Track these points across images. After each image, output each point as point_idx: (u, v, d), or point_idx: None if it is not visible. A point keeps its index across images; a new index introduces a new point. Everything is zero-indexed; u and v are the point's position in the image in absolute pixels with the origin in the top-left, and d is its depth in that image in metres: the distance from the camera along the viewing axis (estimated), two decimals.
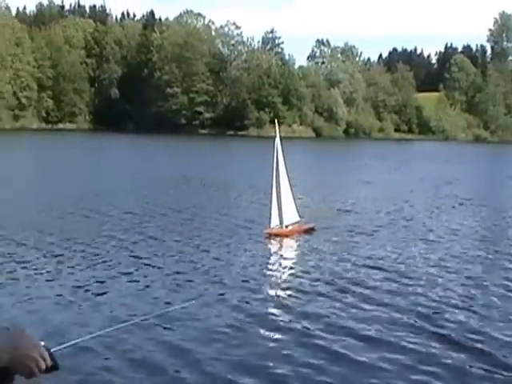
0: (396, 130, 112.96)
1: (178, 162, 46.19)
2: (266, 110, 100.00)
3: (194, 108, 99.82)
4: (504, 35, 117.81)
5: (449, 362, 9.04)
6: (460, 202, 27.92)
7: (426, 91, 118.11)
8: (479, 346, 9.74)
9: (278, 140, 18.03)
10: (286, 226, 18.30)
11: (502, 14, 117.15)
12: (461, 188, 33.83)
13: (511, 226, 22.87)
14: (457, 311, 11.52)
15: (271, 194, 18.12)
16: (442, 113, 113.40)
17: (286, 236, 18.14)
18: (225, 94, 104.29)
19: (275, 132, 18.44)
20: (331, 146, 79.78)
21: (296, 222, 18.73)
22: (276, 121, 20.05)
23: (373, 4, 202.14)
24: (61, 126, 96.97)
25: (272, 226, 17.90)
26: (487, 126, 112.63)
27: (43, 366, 1.88)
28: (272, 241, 17.89)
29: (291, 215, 18.29)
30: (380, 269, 14.74)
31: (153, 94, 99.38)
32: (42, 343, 1.92)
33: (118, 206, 23.72)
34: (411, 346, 9.65)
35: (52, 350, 1.95)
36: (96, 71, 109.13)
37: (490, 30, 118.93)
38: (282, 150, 18.27)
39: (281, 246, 17.59)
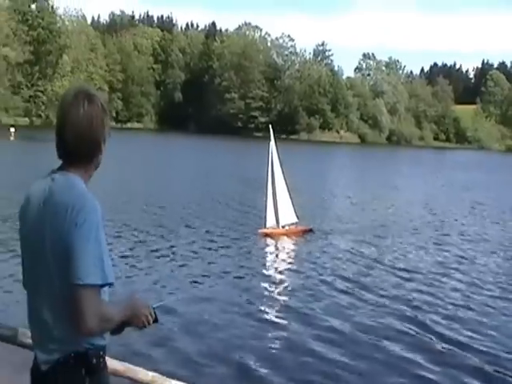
0: (435, 139, 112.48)
1: (236, 162, 45.09)
2: (316, 116, 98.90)
3: (249, 112, 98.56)
4: None
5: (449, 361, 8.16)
6: (475, 206, 26.60)
7: (463, 104, 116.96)
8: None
9: (272, 143, 17.20)
10: (283, 227, 16.83)
11: None
12: (481, 194, 32.04)
13: None
14: (453, 308, 10.70)
15: (266, 195, 16.73)
16: (478, 124, 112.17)
17: (282, 235, 16.73)
18: (278, 100, 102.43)
19: (270, 136, 17.52)
20: (373, 152, 78.31)
21: (293, 223, 17.02)
22: (270, 126, 19.39)
23: (416, 21, 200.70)
24: (129, 125, 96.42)
25: (268, 226, 16.54)
26: None
27: (151, 321, 2.28)
28: (268, 240, 16.48)
29: (288, 216, 16.88)
30: (381, 269, 13.62)
31: (212, 99, 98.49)
32: (149, 303, 2.34)
33: (170, 199, 23.04)
34: (409, 343, 8.82)
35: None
36: (161, 76, 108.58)
37: None
38: (278, 153, 17.38)
39: (276, 246, 16.23)
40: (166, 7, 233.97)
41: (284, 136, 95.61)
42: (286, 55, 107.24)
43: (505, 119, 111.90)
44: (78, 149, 2.18)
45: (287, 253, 15.61)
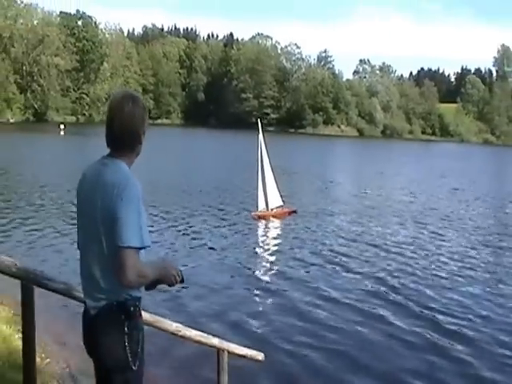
0: (422, 133, 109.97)
1: (249, 151, 43.98)
2: (320, 113, 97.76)
3: (262, 110, 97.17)
4: (504, 61, 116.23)
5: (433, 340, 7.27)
6: (451, 191, 25.94)
7: (446, 102, 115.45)
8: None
9: (260, 136, 16.67)
10: (272, 209, 16.53)
11: (502, 46, 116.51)
12: (457, 180, 31.21)
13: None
14: (432, 286, 9.93)
15: (257, 181, 16.34)
16: (459, 120, 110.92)
17: (272, 217, 16.37)
18: (287, 99, 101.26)
19: (258, 130, 16.93)
20: (369, 144, 77.52)
21: (279, 206, 16.75)
22: (259, 120, 18.68)
23: (407, 30, 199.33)
24: (159, 121, 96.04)
25: (259, 209, 16.29)
26: (493, 131, 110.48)
27: (179, 280, 2.44)
28: (260, 222, 16.22)
29: (275, 200, 16.60)
30: (352, 241, 13.36)
31: (230, 98, 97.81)
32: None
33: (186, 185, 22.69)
34: (392, 319, 8.06)
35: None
36: (187, 79, 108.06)
37: (495, 57, 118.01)
38: (266, 145, 16.70)
39: (267, 226, 15.91)
40: (190, 19, 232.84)
41: (292, 130, 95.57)
42: (294, 60, 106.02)
43: (481, 116, 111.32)
44: (123, 139, 2.39)
45: (276, 230, 15.38)
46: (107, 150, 2.48)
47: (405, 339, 7.24)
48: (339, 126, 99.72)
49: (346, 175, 31.42)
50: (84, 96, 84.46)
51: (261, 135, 16.63)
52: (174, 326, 3.55)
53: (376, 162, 42.76)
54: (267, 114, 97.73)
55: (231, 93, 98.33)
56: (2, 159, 27.22)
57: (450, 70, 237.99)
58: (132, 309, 2.34)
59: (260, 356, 4.22)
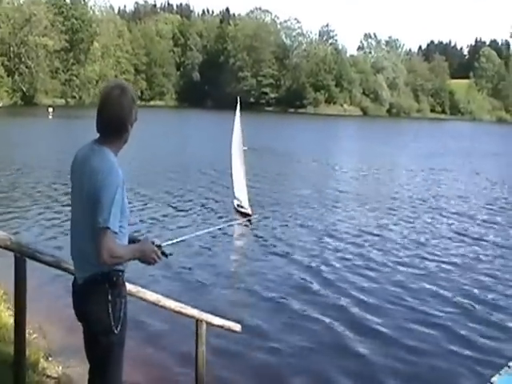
0: (431, 111, 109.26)
1: (250, 134, 44.12)
2: (322, 91, 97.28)
3: (261, 89, 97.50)
4: None
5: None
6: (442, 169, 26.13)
7: (458, 78, 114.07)
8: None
9: (237, 117, 15.30)
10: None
11: None
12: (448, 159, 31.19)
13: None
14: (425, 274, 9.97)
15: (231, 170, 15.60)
16: (471, 97, 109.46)
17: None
18: (287, 77, 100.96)
19: (236, 109, 15.45)
20: (374, 124, 77.27)
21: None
22: (238, 98, 16.29)
23: (415, 1, 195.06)
24: (152, 103, 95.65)
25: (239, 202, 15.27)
26: (508, 109, 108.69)
27: (158, 259, 2.78)
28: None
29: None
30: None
31: (227, 77, 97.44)
32: (158, 242, 2.84)
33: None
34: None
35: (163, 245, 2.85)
36: (181, 58, 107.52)
37: None
38: (242, 130, 15.32)
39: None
40: None
41: (292, 110, 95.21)
42: (294, 36, 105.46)
43: (496, 92, 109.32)
44: (110, 128, 2.70)
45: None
46: (96, 134, 2.79)
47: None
48: (342, 105, 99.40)
49: (348, 157, 31.52)
50: (74, 78, 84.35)
51: (237, 117, 15.25)
52: (154, 296, 4.08)
53: (381, 143, 42.63)
54: (266, 94, 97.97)
55: (228, 72, 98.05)
56: None
57: (463, 43, 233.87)
58: (115, 279, 2.70)
59: (237, 327, 4.72)
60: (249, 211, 14.18)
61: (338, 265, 10.28)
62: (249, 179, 15.63)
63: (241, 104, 15.80)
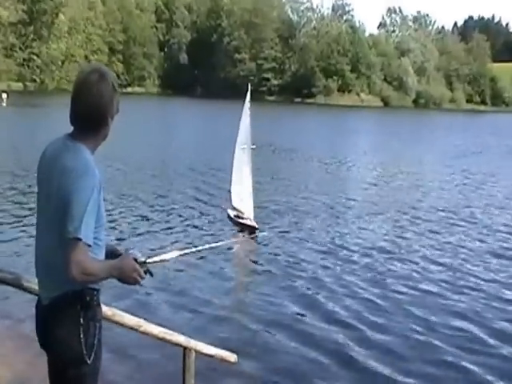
0: (468, 101, 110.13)
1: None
2: (334, 77, 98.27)
3: (261, 74, 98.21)
4: None
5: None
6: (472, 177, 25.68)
7: (502, 61, 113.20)
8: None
9: (246, 107, 15.26)
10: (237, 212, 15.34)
11: None
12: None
13: None
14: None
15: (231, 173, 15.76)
16: None
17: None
18: (293, 61, 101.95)
19: (245, 99, 15.32)
20: (396, 116, 77.27)
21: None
22: (249, 85, 16.07)
23: None
24: (129, 89, 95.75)
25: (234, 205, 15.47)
26: None
27: (139, 282, 2.75)
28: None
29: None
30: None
31: (221, 60, 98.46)
32: (142, 258, 2.80)
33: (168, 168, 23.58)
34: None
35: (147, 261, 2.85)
36: (165, 36, 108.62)
37: None
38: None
39: None
40: None
41: (299, 100, 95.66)
42: (302, 11, 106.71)
43: None
44: (87, 121, 2.70)
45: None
46: (62, 128, 2.77)
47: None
48: (359, 95, 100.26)
49: (365, 157, 31.47)
50: (34, 57, 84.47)
51: (246, 109, 15.34)
52: (134, 320, 4.16)
53: (406, 139, 42.65)
54: (267, 80, 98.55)
55: (222, 53, 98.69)
56: None
57: (509, 18, 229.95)
58: (88, 298, 2.70)
59: (233, 358, 4.79)
60: (253, 223, 14.08)
61: (347, 289, 10.36)
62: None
63: (251, 92, 15.63)
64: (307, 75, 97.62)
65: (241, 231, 14.11)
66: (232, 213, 15.11)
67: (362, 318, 9.00)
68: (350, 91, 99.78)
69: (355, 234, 14.42)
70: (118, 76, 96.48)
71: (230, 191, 15.56)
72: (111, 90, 2.73)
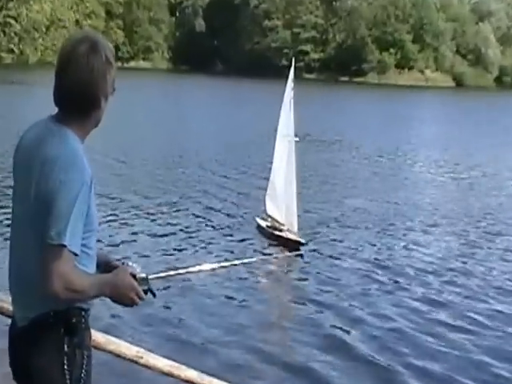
0: None
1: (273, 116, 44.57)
2: (391, 50, 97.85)
3: (298, 46, 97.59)
4: None
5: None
6: None
7: None
8: None
9: (288, 88, 15.46)
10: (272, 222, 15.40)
11: None
12: None
13: None
14: None
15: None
16: None
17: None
18: (338, 29, 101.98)
19: (288, 79, 15.57)
20: (473, 99, 76.49)
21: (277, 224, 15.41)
22: (293, 59, 16.24)
23: None
24: (132, 64, 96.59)
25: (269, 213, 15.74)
26: None
27: (138, 303, 2.76)
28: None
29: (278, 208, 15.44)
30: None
31: (247, 28, 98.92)
32: (143, 274, 2.81)
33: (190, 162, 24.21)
34: None
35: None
36: None
37: None
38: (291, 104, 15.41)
39: None
40: None
41: (346, 78, 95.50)
42: None
43: None
44: (74, 101, 2.71)
45: None
46: (46, 110, 2.81)
47: None
48: (423, 72, 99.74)
49: (429, 151, 31.37)
50: (11, 21, 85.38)
51: (288, 91, 15.57)
52: (134, 349, 4.22)
53: (484, 130, 42.18)
54: (306, 54, 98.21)
55: (248, 19, 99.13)
56: None
57: None
58: (75, 320, 2.71)
59: None
60: (297, 237, 14.05)
61: (399, 321, 10.47)
62: None
63: (294, 69, 15.76)
64: (356, 47, 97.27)
65: (278, 246, 14.15)
66: (264, 222, 15.19)
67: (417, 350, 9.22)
68: (411, 67, 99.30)
69: (412, 250, 14.54)
70: (117, 47, 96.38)
71: (267, 194, 15.68)
72: (105, 64, 2.74)
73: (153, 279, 2.88)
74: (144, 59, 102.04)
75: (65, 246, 2.54)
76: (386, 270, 12.99)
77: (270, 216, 15.24)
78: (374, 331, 9.99)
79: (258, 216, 15.51)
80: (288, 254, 13.57)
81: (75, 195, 2.57)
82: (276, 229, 14.66)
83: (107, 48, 2.77)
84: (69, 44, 2.76)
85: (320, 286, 12.00)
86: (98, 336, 3.72)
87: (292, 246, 13.77)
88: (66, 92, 2.71)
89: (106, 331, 4.13)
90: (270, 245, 14.40)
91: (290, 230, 14.38)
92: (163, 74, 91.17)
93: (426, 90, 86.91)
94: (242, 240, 14.60)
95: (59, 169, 2.58)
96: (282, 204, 14.95)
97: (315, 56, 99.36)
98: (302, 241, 13.86)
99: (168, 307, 9.99)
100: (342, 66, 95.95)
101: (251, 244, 14.30)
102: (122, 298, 2.73)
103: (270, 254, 13.65)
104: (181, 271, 3.13)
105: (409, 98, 72.97)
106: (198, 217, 16.27)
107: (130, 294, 2.71)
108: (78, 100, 2.71)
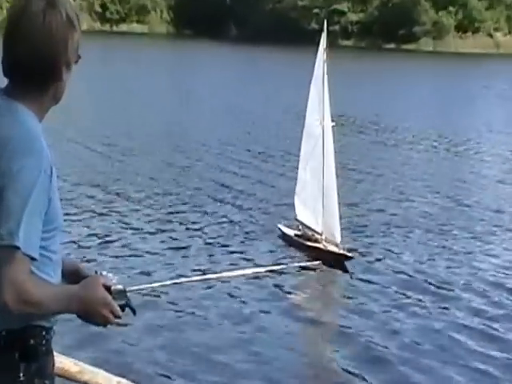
0: None
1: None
2: (451, 9, 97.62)
3: (332, 5, 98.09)
4: None
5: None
6: None
7: None
8: None
9: (319, 58, 15.68)
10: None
11: None
12: None
13: None
14: None
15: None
16: None
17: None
18: None
19: (319, 46, 15.77)
20: None
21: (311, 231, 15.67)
22: (325, 22, 16.32)
23: None
24: (123, 27, 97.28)
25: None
26: None
27: (113, 322, 2.73)
28: None
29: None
30: None
31: None
32: (120, 286, 2.81)
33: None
34: None
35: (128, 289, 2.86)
36: None
37: None
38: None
39: None
40: None
41: (392, 45, 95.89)
42: None
43: None
44: (27, 71, 2.71)
45: None
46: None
47: None
48: (491, 36, 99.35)
49: (498, 137, 31.78)
50: None
51: (319, 64, 15.70)
52: (114, 380, 4.30)
53: None
54: (342, 14, 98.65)
55: None
56: None
57: None
58: (32, 342, 2.70)
59: None
60: (340, 250, 14.00)
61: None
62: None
63: (327, 34, 15.83)
64: (405, 6, 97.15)
65: (309, 259, 14.02)
66: (290, 231, 15.20)
67: None
68: (476, 30, 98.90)
69: (473, 262, 14.77)
70: (103, 5, 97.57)
71: (296, 194, 15.73)
72: (65, 25, 2.73)
73: (132, 291, 2.87)
74: (138, 21, 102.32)
75: (18, 247, 2.51)
76: (434, 287, 13.31)
77: (300, 222, 15.28)
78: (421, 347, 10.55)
79: (281, 222, 15.54)
80: (330, 269, 13.48)
81: (31, 186, 2.56)
82: (309, 239, 14.70)
83: (68, 5, 2.75)
84: (20, 1, 2.75)
85: (360, 297, 12.53)
86: (68, 363, 3.77)
87: (333, 259, 13.59)
88: (18, 59, 2.71)
89: (77, 357, 4.16)
90: (290, 254, 14.58)
91: (329, 239, 14.36)
92: (162, 39, 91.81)
93: (496, 59, 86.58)
94: (262, 252, 14.72)
95: (11, 153, 2.58)
96: (318, 206, 14.86)
97: (353, 17, 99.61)
98: (349, 254, 13.78)
99: (154, 326, 10.19)
100: (388, 29, 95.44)
101: (271, 255, 14.49)
102: (93, 315, 2.70)
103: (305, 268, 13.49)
104: (166, 282, 3.12)
105: (474, 69, 72.84)
106: (194, 216, 16.71)
107: (103, 310, 2.69)
108: (33, 68, 2.70)
